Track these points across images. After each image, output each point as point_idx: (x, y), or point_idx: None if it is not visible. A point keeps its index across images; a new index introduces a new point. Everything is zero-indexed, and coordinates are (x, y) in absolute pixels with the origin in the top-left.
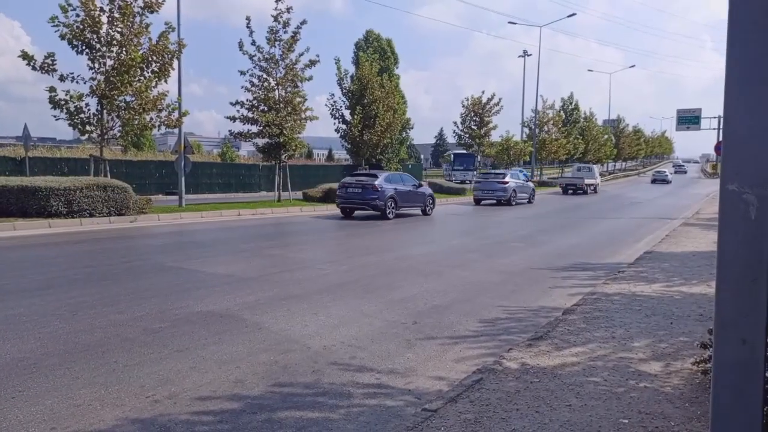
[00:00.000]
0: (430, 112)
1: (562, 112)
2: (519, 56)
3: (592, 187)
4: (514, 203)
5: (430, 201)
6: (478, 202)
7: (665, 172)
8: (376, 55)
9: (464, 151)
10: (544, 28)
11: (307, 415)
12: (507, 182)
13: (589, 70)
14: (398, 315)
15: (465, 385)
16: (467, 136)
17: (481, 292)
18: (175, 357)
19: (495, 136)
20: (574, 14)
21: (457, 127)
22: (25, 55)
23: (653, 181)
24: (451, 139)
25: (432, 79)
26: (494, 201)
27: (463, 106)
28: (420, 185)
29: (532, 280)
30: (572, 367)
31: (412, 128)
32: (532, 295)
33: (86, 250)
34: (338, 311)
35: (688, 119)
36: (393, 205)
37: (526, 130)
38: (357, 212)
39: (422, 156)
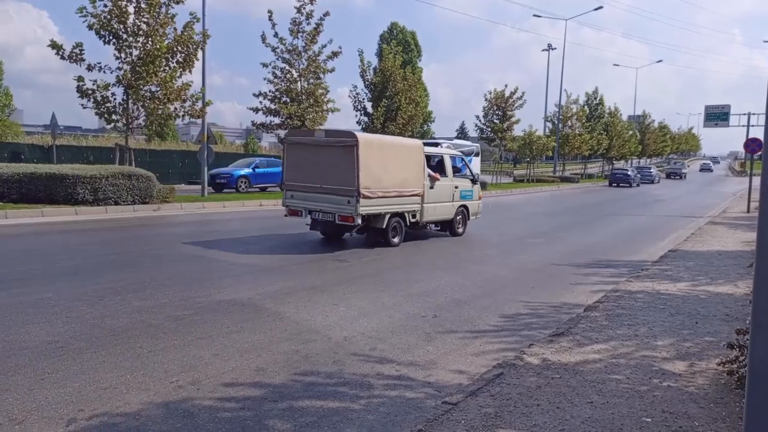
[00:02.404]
0: (451, 105)
1: (586, 107)
2: (543, 50)
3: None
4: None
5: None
6: None
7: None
8: (399, 48)
9: (431, 141)
10: (569, 21)
11: (328, 405)
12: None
13: (615, 65)
14: (418, 308)
15: (485, 379)
16: (489, 130)
17: (501, 287)
18: (198, 344)
19: (518, 131)
20: (600, 7)
21: (479, 120)
22: (54, 45)
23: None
24: (472, 132)
25: (454, 73)
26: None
27: (486, 100)
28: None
29: (553, 276)
30: (594, 364)
31: (433, 122)
32: (553, 292)
33: (111, 237)
34: (358, 303)
35: (717, 116)
36: None
37: (549, 124)
38: None
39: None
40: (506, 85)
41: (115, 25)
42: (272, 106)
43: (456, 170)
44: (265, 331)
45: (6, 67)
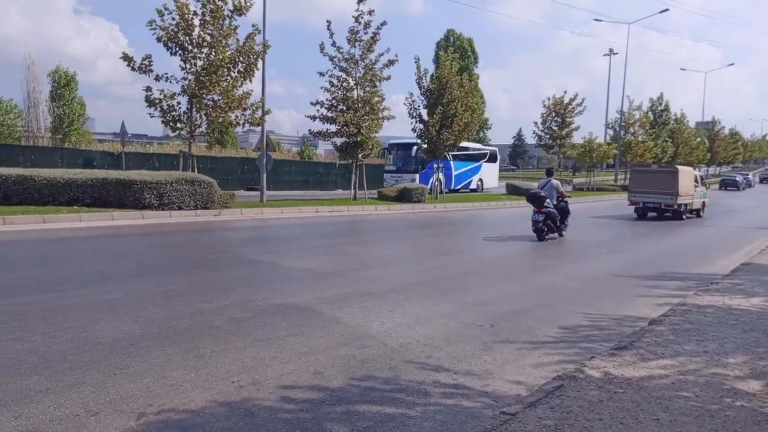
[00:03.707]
0: (508, 111)
1: (650, 113)
2: (604, 55)
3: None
4: None
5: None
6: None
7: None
8: (456, 54)
9: (402, 141)
10: (633, 25)
11: (385, 410)
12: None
13: (682, 69)
14: (474, 317)
15: (545, 390)
16: (548, 137)
17: (560, 298)
18: (258, 346)
19: (577, 138)
20: (666, 9)
21: (537, 127)
22: (125, 57)
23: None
24: (530, 139)
25: (511, 78)
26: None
27: (544, 106)
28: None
29: (615, 287)
30: (660, 379)
31: (489, 128)
32: (615, 303)
33: (176, 240)
34: (414, 310)
35: None
36: None
37: (611, 131)
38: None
39: (500, 157)
40: (565, 92)
41: (182, 37)
42: (329, 114)
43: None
44: (322, 335)
45: (80, 79)
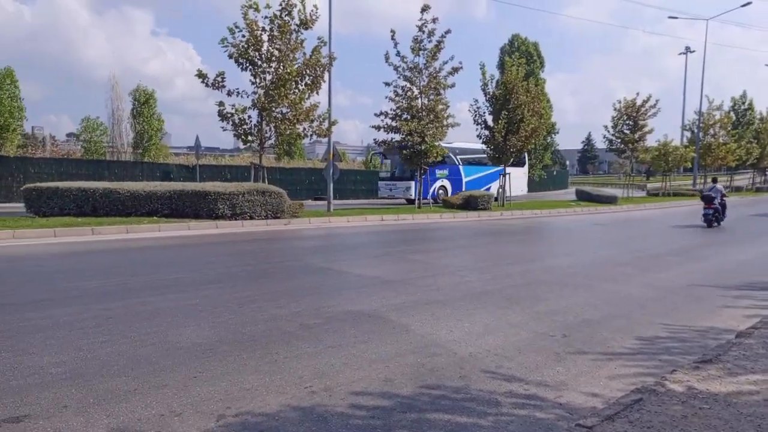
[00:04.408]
0: (576, 115)
1: (732, 113)
2: (680, 53)
3: None
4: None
5: None
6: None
7: None
8: (522, 59)
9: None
10: (711, 21)
11: (455, 419)
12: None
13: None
14: (546, 327)
15: (622, 403)
16: (619, 141)
17: (637, 307)
18: (328, 352)
19: (651, 141)
20: (749, 2)
21: (608, 131)
22: (200, 74)
23: None
24: (599, 144)
25: (579, 81)
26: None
27: (615, 109)
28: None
29: (696, 297)
30: (750, 396)
31: (557, 133)
32: (697, 314)
33: (248, 249)
34: (482, 319)
35: None
36: None
37: (688, 133)
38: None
39: (567, 162)
40: (638, 93)
41: (251, 53)
42: (393, 124)
43: None
44: (392, 342)
45: (158, 96)
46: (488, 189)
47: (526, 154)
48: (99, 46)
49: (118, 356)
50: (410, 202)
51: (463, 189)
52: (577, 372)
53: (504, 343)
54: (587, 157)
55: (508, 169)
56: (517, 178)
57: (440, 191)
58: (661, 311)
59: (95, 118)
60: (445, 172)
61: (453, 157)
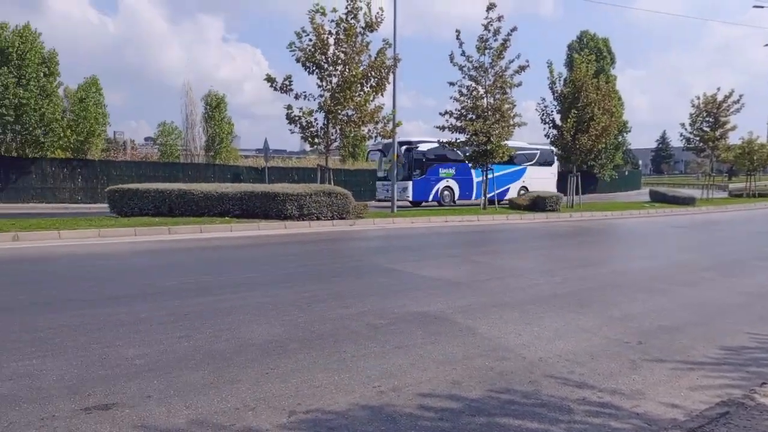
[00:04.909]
0: (649, 113)
1: None
2: (765, 44)
3: None
4: None
5: None
6: None
7: None
8: (592, 56)
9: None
10: None
11: (526, 425)
12: None
13: None
14: (620, 333)
15: (707, 416)
16: (697, 139)
17: (720, 315)
18: (395, 353)
19: (733, 139)
20: None
21: (685, 129)
22: (269, 78)
23: None
24: (675, 142)
25: (652, 78)
26: None
27: (693, 106)
28: None
29: None
30: None
31: (629, 132)
32: None
33: (315, 249)
34: (552, 323)
35: None
36: None
37: None
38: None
39: (640, 162)
40: (718, 89)
41: (318, 57)
42: (458, 124)
43: None
44: (458, 344)
45: (228, 100)
46: (504, 191)
47: (551, 149)
48: (174, 54)
49: (195, 351)
50: (415, 204)
51: (474, 191)
52: (654, 381)
53: (575, 348)
54: (662, 156)
55: (533, 168)
56: (545, 179)
57: (445, 193)
58: (748, 319)
59: (171, 123)
60: (451, 171)
61: (460, 152)
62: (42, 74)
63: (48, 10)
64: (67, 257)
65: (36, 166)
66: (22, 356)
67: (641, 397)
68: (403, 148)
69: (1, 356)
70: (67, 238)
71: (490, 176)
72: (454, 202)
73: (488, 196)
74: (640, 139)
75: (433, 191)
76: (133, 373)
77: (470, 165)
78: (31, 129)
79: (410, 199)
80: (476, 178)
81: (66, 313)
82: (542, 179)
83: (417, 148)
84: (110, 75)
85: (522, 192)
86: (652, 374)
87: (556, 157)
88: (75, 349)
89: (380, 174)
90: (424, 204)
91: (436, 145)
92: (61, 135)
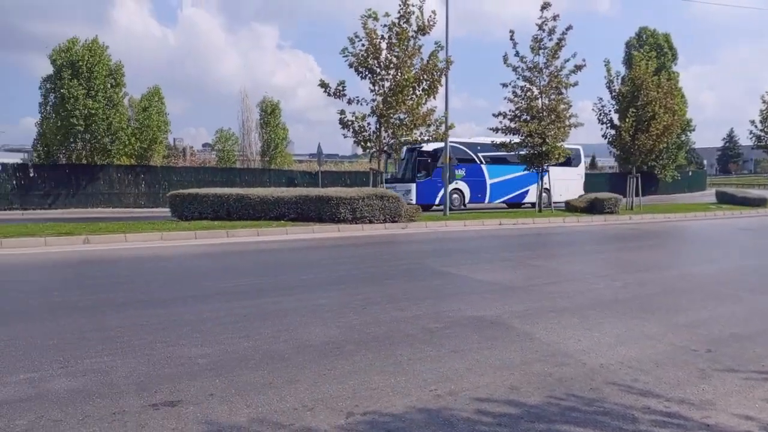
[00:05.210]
0: (714, 111)
1: None
2: None
3: None
4: None
5: None
6: None
7: None
8: (652, 53)
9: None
10: None
11: None
12: None
13: None
14: (686, 340)
15: None
16: None
17: None
18: (451, 357)
19: None
20: None
21: (755, 126)
22: (322, 84)
23: None
24: (744, 140)
25: (719, 73)
26: None
27: (764, 101)
28: None
29: None
30: None
31: (693, 130)
32: None
33: (368, 252)
34: (613, 329)
35: None
36: None
37: None
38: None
39: (705, 161)
40: None
41: (371, 61)
42: (512, 125)
43: None
44: (516, 350)
45: (283, 106)
46: (521, 193)
47: (580, 149)
48: (231, 62)
49: (254, 351)
50: (426, 208)
51: (487, 193)
52: (726, 391)
53: (639, 355)
54: (729, 155)
55: (556, 170)
56: (571, 180)
57: (454, 196)
58: None
59: (227, 129)
60: (461, 172)
61: (471, 152)
62: (109, 85)
63: (114, 23)
64: (133, 259)
65: (104, 172)
66: (94, 353)
67: (712, 408)
68: (406, 149)
69: (75, 353)
70: (132, 240)
71: (509, 176)
72: (464, 205)
73: (502, 199)
74: (706, 137)
75: (440, 194)
76: (197, 371)
77: (482, 165)
78: (99, 137)
79: (413, 200)
80: (490, 179)
81: (132, 312)
82: (567, 180)
83: (421, 147)
84: (171, 84)
85: (545, 195)
86: (723, 384)
87: (583, 157)
88: (142, 347)
89: (386, 177)
90: (473, 207)
91: (441, 145)
92: (127, 143)
